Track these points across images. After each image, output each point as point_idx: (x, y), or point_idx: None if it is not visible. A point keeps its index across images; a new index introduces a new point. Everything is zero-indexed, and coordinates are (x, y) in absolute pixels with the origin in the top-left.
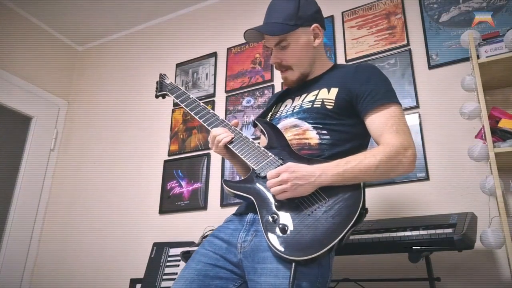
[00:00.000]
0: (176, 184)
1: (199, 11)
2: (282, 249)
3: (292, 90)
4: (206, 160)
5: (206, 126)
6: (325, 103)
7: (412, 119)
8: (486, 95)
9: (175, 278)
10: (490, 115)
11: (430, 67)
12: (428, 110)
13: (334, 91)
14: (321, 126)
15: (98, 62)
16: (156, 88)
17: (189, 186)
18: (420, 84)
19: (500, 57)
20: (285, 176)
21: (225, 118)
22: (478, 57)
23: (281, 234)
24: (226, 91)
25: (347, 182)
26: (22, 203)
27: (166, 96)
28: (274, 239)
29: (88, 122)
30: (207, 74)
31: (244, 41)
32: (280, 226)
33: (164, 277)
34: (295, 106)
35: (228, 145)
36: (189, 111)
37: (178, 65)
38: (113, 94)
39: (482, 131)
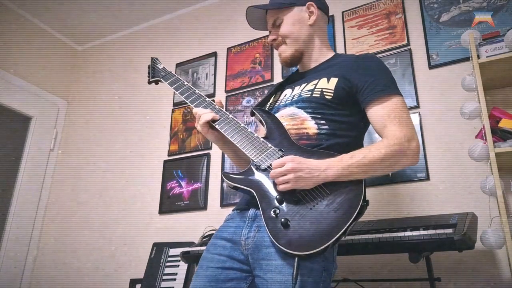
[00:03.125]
0: (176, 184)
1: (199, 11)
2: (284, 244)
3: (292, 79)
4: (206, 160)
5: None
6: (324, 92)
7: (412, 119)
8: (487, 95)
9: (175, 279)
10: (491, 115)
11: (431, 67)
12: (428, 110)
13: (334, 80)
14: (319, 116)
15: (98, 62)
16: (148, 73)
17: (189, 186)
18: (420, 84)
19: (501, 57)
20: (290, 166)
21: None
22: (478, 57)
23: (283, 229)
24: (226, 91)
25: (352, 177)
26: (22, 203)
27: (159, 82)
28: (276, 234)
29: (88, 122)
30: (207, 74)
31: (243, 40)
32: (282, 220)
33: (164, 277)
34: (294, 95)
35: (217, 127)
36: (185, 99)
37: (178, 65)
38: (112, 94)
39: (483, 131)
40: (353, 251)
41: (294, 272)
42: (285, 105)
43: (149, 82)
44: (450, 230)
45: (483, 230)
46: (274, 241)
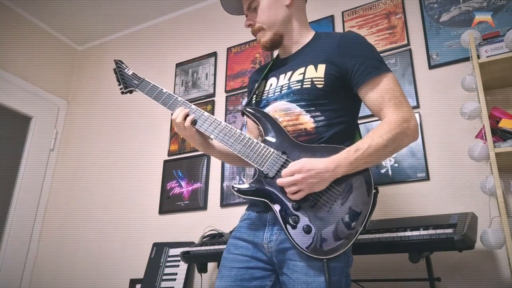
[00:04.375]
0: (176, 184)
1: (198, 11)
2: (311, 250)
3: (276, 66)
4: (206, 160)
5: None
6: (315, 82)
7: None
8: (487, 95)
9: (175, 279)
10: (491, 115)
11: (431, 67)
12: (428, 110)
13: (322, 67)
14: (313, 108)
15: (98, 62)
16: (117, 80)
17: (189, 186)
18: (420, 84)
19: (501, 57)
20: (300, 177)
21: (225, 118)
22: (478, 57)
23: (306, 235)
24: (226, 91)
25: (360, 169)
26: (22, 203)
27: (133, 92)
28: (301, 242)
29: (88, 122)
30: (207, 74)
31: (243, 40)
32: (304, 227)
33: (164, 277)
34: (282, 86)
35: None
36: (168, 109)
37: (178, 65)
38: (112, 94)
39: (483, 131)
40: (353, 251)
41: (326, 276)
42: (275, 98)
43: (123, 93)
44: (450, 230)
45: (483, 230)
46: (301, 249)
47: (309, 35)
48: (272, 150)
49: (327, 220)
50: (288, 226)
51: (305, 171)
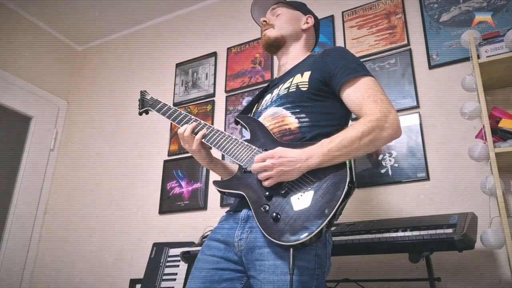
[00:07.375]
0: (176, 184)
1: (199, 11)
2: (277, 237)
3: (271, 85)
4: None
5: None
6: (299, 86)
7: (412, 119)
8: (487, 95)
9: (175, 279)
10: (491, 115)
11: (431, 67)
12: (428, 110)
13: (307, 74)
14: (298, 110)
15: (98, 62)
16: (139, 105)
17: (189, 186)
18: (420, 84)
19: (501, 57)
20: (270, 162)
21: (225, 118)
22: (478, 57)
23: (274, 223)
24: (226, 91)
25: (335, 161)
26: (22, 203)
27: (149, 112)
28: (268, 229)
29: (88, 122)
30: (207, 74)
31: (243, 40)
32: (273, 215)
33: (164, 277)
34: (273, 97)
35: (203, 141)
36: (172, 121)
37: (178, 65)
38: (113, 94)
39: (483, 131)
40: (353, 251)
41: (291, 262)
42: (266, 107)
43: (140, 114)
44: (450, 230)
45: (483, 230)
46: (267, 236)
47: (304, 57)
48: (254, 147)
49: (297, 209)
50: (258, 215)
51: (277, 157)
